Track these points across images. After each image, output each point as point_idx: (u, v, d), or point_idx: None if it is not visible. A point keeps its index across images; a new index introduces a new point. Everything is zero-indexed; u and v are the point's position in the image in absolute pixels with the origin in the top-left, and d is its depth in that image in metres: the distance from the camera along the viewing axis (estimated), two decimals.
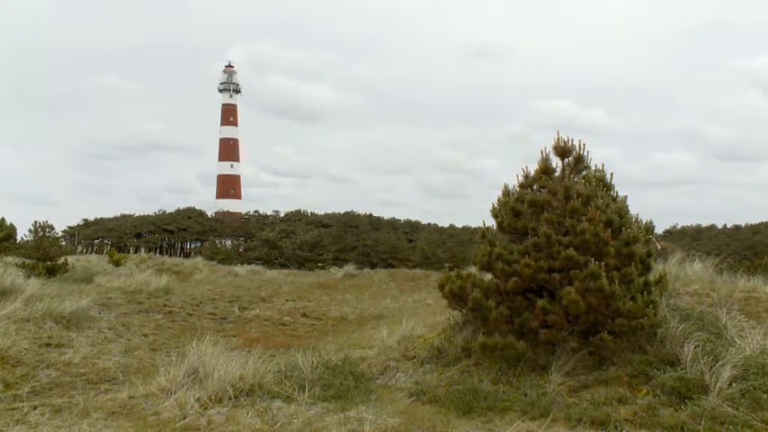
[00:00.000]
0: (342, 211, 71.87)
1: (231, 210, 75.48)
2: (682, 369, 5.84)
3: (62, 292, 12.44)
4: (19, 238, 29.38)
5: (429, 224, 71.95)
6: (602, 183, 7.38)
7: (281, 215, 68.96)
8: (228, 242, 60.63)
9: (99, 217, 69.91)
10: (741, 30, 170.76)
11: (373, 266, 35.93)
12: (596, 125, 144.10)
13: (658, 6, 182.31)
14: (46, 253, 19.98)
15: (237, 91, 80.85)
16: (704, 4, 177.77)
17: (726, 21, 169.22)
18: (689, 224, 67.40)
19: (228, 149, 79.16)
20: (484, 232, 7.55)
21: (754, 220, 61.70)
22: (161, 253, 60.20)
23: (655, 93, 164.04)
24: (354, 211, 72.28)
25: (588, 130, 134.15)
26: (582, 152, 7.43)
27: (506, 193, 7.65)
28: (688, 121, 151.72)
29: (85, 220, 69.21)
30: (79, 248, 56.92)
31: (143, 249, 58.40)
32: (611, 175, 7.51)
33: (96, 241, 66.20)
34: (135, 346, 10.01)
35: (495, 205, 7.68)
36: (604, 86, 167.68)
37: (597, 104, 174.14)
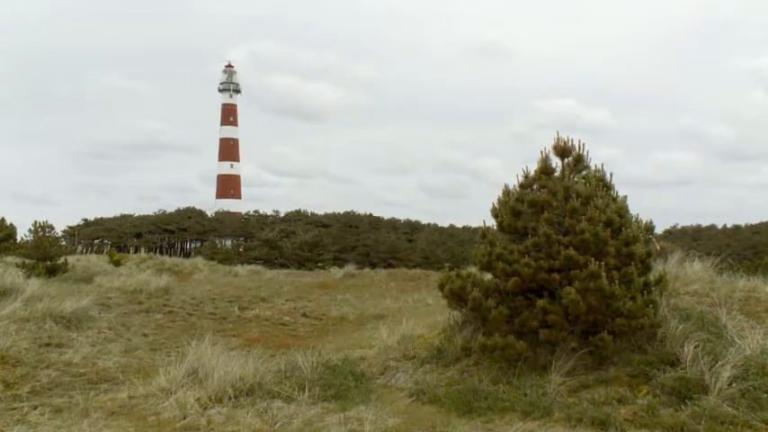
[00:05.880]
0: (342, 211, 71.90)
1: (231, 210, 75.46)
2: (682, 369, 5.84)
3: (62, 292, 12.45)
4: (19, 238, 29.44)
5: (429, 224, 71.89)
6: (602, 183, 7.38)
7: (281, 215, 68.91)
8: (228, 242, 60.54)
9: (99, 217, 69.90)
10: (744, 29, 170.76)
11: (373, 266, 35.89)
12: (600, 125, 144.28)
13: (661, 5, 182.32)
14: (46, 253, 19.97)
15: (237, 91, 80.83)
16: (707, 4, 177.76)
17: (729, 20, 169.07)
18: (689, 224, 67.38)
19: (228, 149, 79.15)
20: (484, 232, 7.55)
21: (754, 220, 61.65)
22: (161, 253, 60.15)
23: (657, 92, 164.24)
24: (354, 210, 72.32)
25: (591, 130, 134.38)
26: (582, 152, 7.44)
27: (506, 192, 7.65)
28: (690, 121, 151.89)
29: (85, 220, 69.18)
30: (79, 248, 56.89)
31: (143, 249, 58.33)
32: (611, 175, 7.52)
33: (96, 241, 66.14)
34: (135, 346, 10.01)
35: (496, 205, 7.68)
36: (607, 86, 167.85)
37: (600, 104, 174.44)
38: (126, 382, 7.47)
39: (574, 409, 5.65)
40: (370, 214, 71.96)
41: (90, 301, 11.78)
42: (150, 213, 71.00)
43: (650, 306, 6.56)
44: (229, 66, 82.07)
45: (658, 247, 8.47)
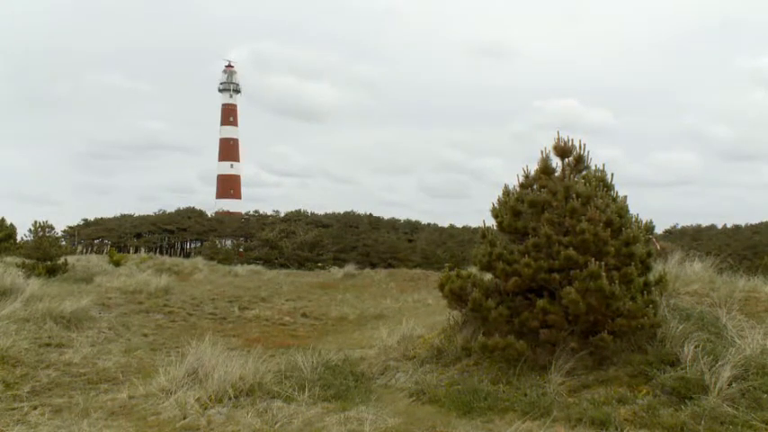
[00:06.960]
0: (342, 211, 71.90)
1: (231, 210, 75.48)
2: (682, 369, 5.84)
3: (62, 292, 12.45)
4: (19, 238, 29.47)
5: (429, 224, 71.89)
6: (603, 183, 7.38)
7: (281, 215, 68.90)
8: (228, 242, 60.52)
9: (99, 217, 69.88)
10: (745, 29, 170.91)
11: (373, 266, 35.86)
12: (600, 125, 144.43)
13: (661, 6, 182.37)
14: (46, 253, 19.94)
15: (237, 91, 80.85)
16: (707, 4, 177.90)
17: (729, 20, 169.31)
18: (689, 224, 67.34)
19: (228, 149, 79.16)
20: (484, 232, 7.55)
21: (754, 220, 61.60)
22: (161, 253, 60.15)
23: (657, 92, 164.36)
24: (354, 210, 72.33)
25: (592, 130, 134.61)
26: (582, 152, 7.43)
27: (507, 193, 7.65)
28: (690, 121, 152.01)
29: (85, 220, 69.16)
30: (79, 248, 56.87)
31: (143, 249, 58.30)
32: (612, 175, 7.52)
33: (96, 241, 66.12)
34: (135, 346, 10.01)
35: (496, 205, 7.68)
36: (607, 86, 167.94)
37: (601, 104, 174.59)
38: (126, 382, 7.47)
39: (574, 409, 5.65)
40: (370, 214, 71.97)
41: (90, 301, 11.78)
42: (150, 213, 71.04)
43: (650, 306, 6.56)
44: (229, 66, 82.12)
45: (658, 247, 8.48)
